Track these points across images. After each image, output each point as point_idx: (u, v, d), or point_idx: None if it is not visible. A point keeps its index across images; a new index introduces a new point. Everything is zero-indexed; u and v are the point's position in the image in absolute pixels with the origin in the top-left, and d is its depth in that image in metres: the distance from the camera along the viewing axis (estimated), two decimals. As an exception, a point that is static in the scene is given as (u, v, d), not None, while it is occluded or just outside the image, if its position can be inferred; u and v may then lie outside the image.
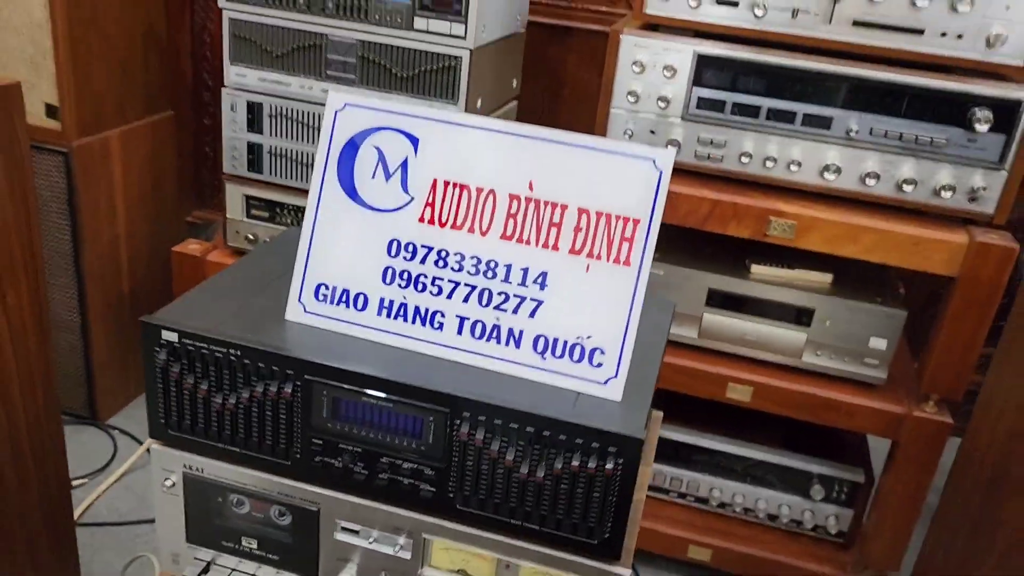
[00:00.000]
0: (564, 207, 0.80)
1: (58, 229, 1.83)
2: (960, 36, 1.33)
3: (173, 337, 0.82)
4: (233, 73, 1.64)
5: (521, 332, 0.81)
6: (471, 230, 0.82)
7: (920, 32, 1.34)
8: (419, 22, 1.49)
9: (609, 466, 0.75)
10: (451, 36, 1.49)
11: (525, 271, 0.81)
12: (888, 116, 1.38)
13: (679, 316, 1.58)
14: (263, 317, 0.87)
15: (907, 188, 1.39)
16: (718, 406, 1.64)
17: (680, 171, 1.50)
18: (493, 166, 0.81)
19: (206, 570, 0.92)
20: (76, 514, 1.74)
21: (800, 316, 1.53)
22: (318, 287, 0.86)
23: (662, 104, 1.45)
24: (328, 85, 1.58)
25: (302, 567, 0.90)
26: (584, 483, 0.77)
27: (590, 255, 0.80)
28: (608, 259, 0.79)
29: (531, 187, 0.81)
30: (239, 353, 0.81)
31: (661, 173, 0.78)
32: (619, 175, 0.79)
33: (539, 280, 0.81)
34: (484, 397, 0.77)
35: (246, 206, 1.73)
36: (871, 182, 1.40)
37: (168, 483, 0.90)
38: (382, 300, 0.84)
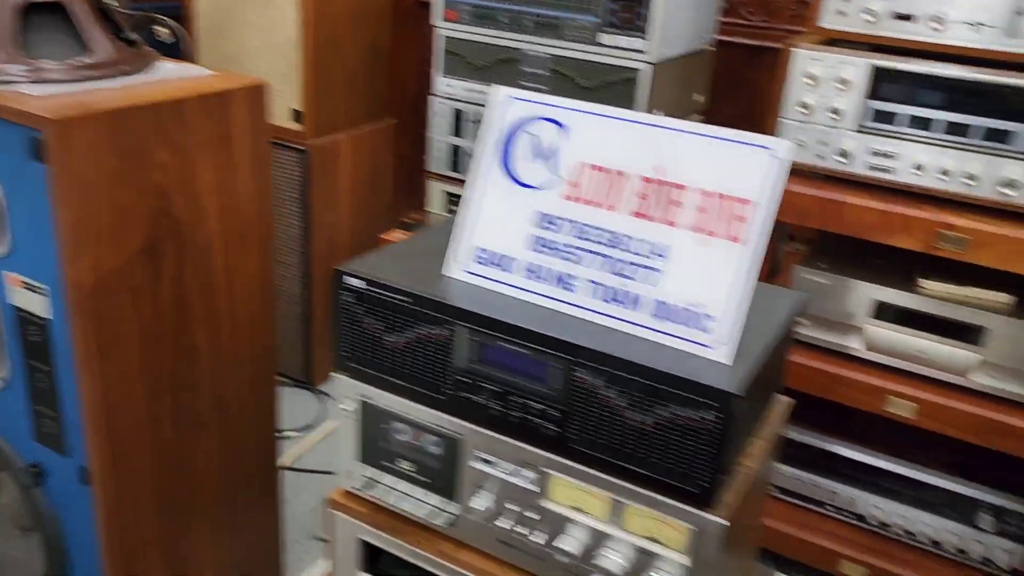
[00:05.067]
0: (686, 187, 0.90)
1: (291, 215, 2.15)
2: None
3: (356, 283, 1.01)
4: (444, 84, 1.86)
5: (642, 297, 0.92)
6: (606, 207, 0.94)
7: (1113, 45, 1.29)
8: (604, 37, 1.63)
9: (708, 418, 0.84)
10: (633, 51, 1.61)
11: (649, 244, 0.92)
12: (1076, 132, 1.34)
13: (839, 326, 1.59)
14: (430, 274, 1.03)
15: (1094, 207, 1.34)
16: (884, 423, 1.63)
17: (848, 181, 1.52)
18: (628, 152, 0.93)
19: (371, 485, 1.10)
20: (287, 461, 2.02)
21: (971, 334, 1.50)
22: (476, 250, 1.01)
23: (834, 116, 1.48)
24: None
25: (445, 490, 1.05)
26: (684, 432, 0.86)
27: (707, 232, 0.89)
28: (723, 236, 0.88)
29: (658, 170, 0.92)
30: (406, 299, 0.98)
31: (780, 161, 0.86)
32: (737, 161, 0.88)
33: (661, 252, 0.91)
34: (601, 348, 0.88)
35: (446, 201, 1.95)
36: (1054, 199, 1.36)
37: (347, 408, 1.09)
38: (527, 264, 0.98)
